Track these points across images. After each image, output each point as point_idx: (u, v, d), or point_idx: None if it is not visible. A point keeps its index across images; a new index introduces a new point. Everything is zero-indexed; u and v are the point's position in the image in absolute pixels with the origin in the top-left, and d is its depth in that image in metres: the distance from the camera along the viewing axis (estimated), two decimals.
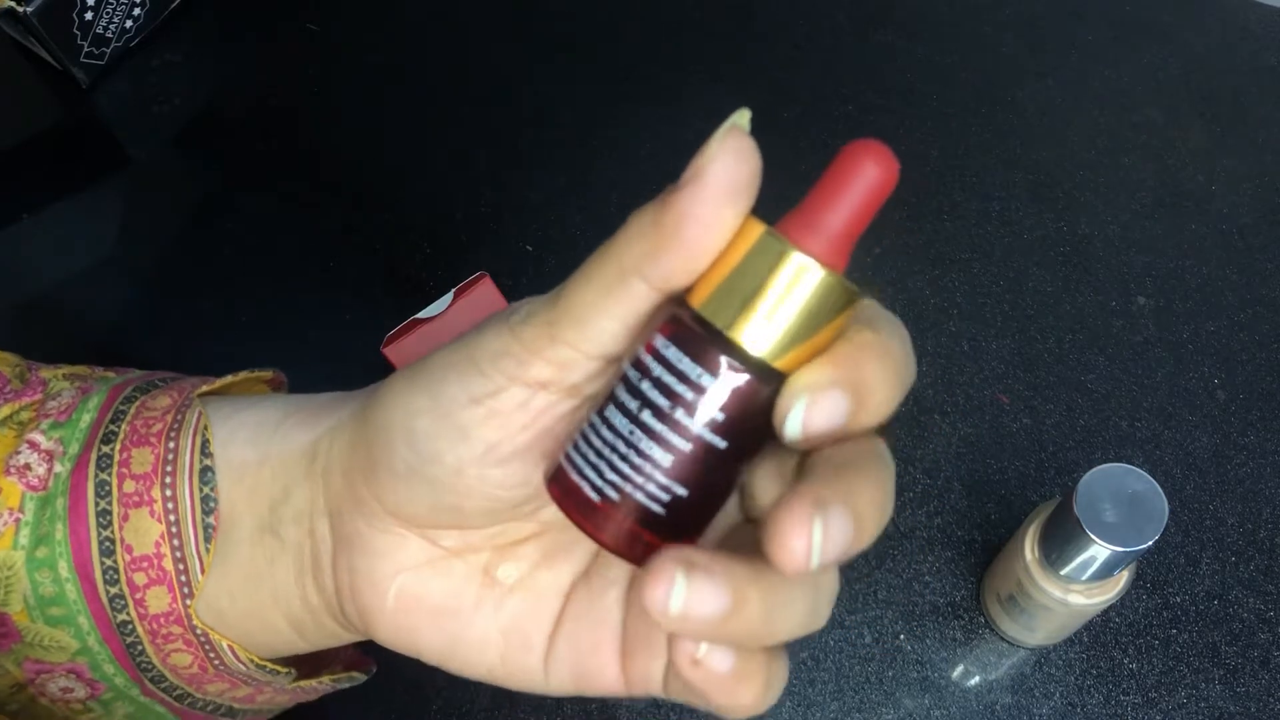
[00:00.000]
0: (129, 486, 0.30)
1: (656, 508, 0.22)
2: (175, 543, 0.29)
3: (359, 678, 0.35)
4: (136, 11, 0.68)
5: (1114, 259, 0.60)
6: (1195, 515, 0.53)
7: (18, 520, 0.30)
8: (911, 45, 0.67)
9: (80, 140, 0.68)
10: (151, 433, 0.30)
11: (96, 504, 0.30)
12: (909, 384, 0.22)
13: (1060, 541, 0.43)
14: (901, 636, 0.52)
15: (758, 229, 0.21)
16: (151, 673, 0.31)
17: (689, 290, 0.22)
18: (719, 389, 0.21)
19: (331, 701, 0.37)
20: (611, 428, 0.22)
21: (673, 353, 0.22)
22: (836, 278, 0.21)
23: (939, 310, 0.59)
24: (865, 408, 0.21)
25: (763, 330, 0.21)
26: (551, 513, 0.27)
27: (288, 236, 0.64)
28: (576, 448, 0.23)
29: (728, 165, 0.20)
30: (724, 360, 0.21)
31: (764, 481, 0.25)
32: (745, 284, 0.21)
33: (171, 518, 0.29)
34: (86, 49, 0.67)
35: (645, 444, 0.22)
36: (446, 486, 0.25)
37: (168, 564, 0.29)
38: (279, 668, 0.31)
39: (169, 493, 0.29)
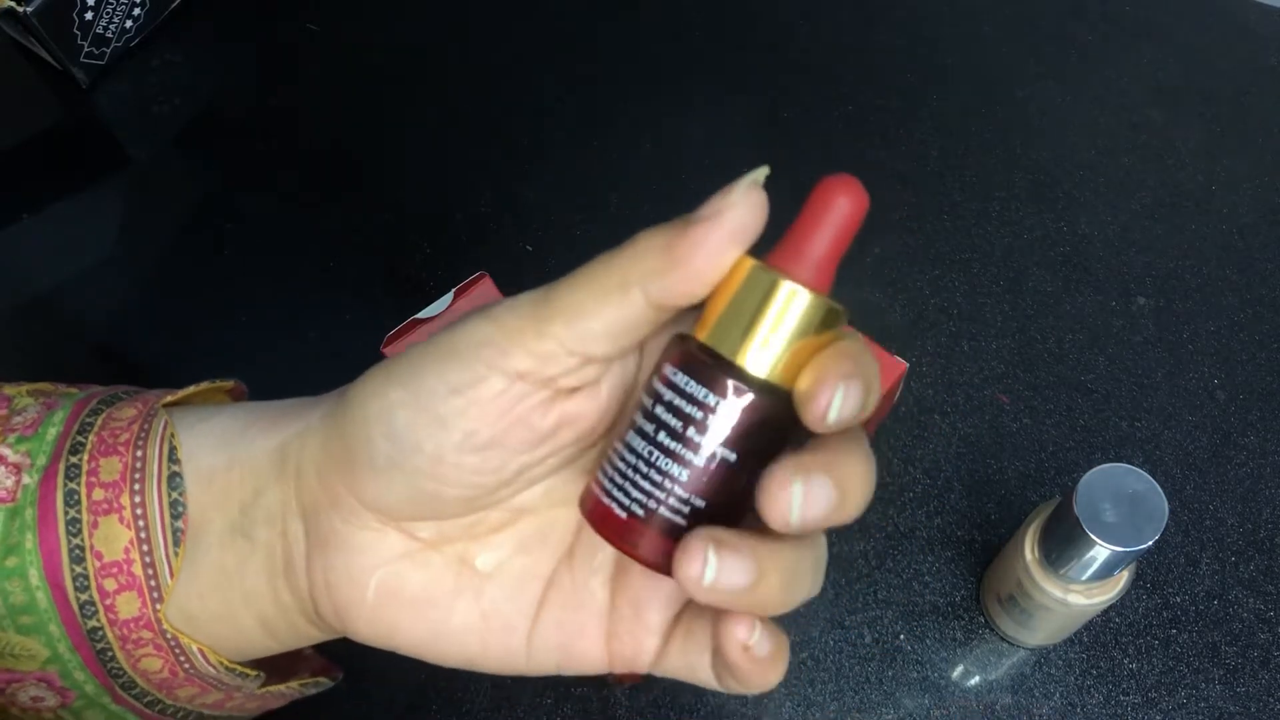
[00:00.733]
0: (98, 494, 0.30)
1: (679, 520, 0.25)
2: (145, 548, 0.30)
3: (326, 683, 0.35)
4: (136, 11, 0.68)
5: (1114, 259, 0.60)
6: (1195, 515, 0.53)
7: None
8: (911, 45, 0.67)
9: (80, 140, 0.68)
10: (119, 442, 0.31)
11: (66, 512, 0.30)
12: (871, 407, 0.24)
13: (1060, 541, 0.43)
14: (901, 636, 0.52)
15: (748, 263, 0.24)
16: (122, 679, 0.31)
17: (694, 326, 0.25)
18: (727, 409, 0.24)
19: (332, 702, 0.37)
20: (634, 451, 0.25)
21: (683, 379, 0.24)
22: (822, 299, 0.24)
23: (939, 310, 0.59)
24: (865, 409, 0.24)
25: (762, 353, 0.24)
26: (526, 499, 0.28)
27: (288, 236, 0.64)
28: (604, 472, 0.26)
29: (743, 213, 0.24)
30: (730, 383, 0.24)
31: None
32: (743, 313, 0.24)
33: (140, 523, 0.30)
34: (86, 49, 0.67)
35: (664, 463, 0.24)
36: (426, 474, 0.26)
37: (137, 569, 0.30)
38: (249, 670, 0.32)
39: (138, 499, 0.30)
